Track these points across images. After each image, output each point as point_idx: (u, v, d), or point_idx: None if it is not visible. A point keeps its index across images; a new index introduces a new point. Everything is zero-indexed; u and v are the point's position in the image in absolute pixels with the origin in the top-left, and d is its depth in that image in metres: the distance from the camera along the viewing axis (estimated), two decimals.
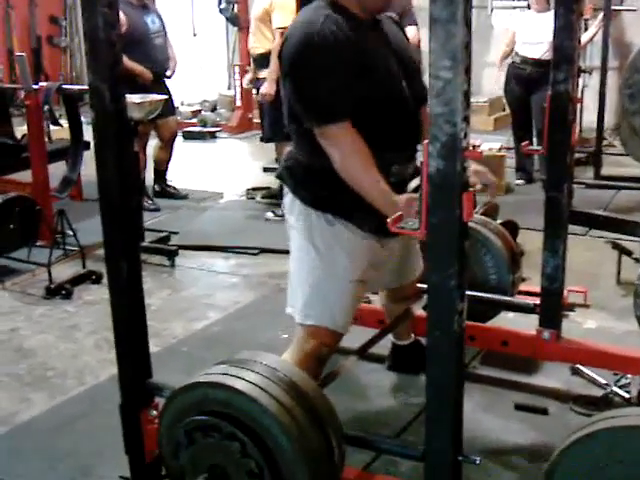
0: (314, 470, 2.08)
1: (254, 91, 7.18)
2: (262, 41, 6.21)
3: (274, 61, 5.80)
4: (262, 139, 6.56)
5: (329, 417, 2.17)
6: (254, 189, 6.80)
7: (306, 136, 2.53)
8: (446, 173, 1.79)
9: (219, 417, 2.13)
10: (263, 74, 6.10)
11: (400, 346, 3.41)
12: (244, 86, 6.26)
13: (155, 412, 2.60)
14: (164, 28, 6.51)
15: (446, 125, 1.77)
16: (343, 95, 2.44)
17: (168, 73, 6.54)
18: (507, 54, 6.93)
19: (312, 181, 2.63)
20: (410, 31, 5.57)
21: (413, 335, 3.39)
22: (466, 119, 1.78)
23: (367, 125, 2.47)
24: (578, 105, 3.19)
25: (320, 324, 2.63)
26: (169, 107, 6.38)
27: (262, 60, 6.15)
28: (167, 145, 6.68)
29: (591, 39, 7.25)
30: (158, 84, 6.29)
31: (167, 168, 6.82)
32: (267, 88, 5.90)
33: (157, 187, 6.77)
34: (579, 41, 3.03)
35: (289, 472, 2.07)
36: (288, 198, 2.72)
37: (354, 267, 2.64)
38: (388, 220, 1.97)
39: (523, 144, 3.38)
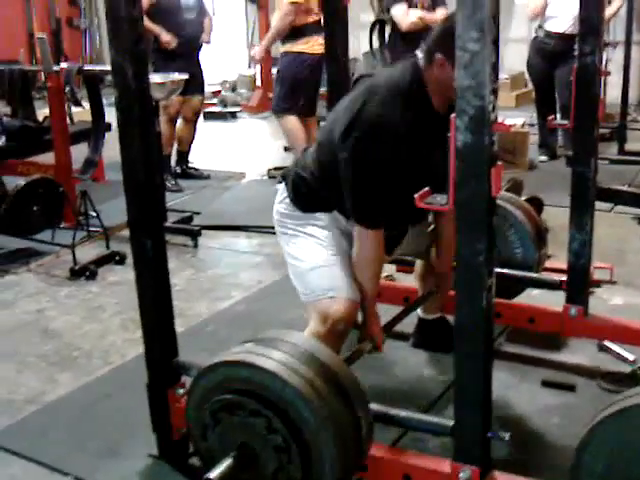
0: (341, 443, 2.08)
1: (274, 70, 7.24)
2: None
3: (273, 27, 5.99)
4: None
5: (354, 390, 2.16)
6: (276, 169, 6.79)
7: (328, 171, 2.67)
8: (474, 147, 1.77)
9: (243, 395, 2.13)
10: (285, 48, 6.10)
11: (426, 320, 3.40)
12: (256, 57, 6.40)
13: (182, 391, 2.61)
14: (200, 5, 6.56)
15: (474, 98, 1.75)
16: (387, 208, 2.59)
17: (203, 39, 6.58)
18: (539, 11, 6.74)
19: (312, 197, 2.79)
20: (440, 12, 5.63)
21: (440, 312, 3.37)
22: (494, 92, 1.76)
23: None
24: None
25: (331, 295, 2.65)
26: (196, 85, 6.40)
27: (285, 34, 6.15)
28: (189, 123, 6.69)
29: (615, 13, 7.14)
30: (189, 60, 6.33)
31: (189, 149, 6.84)
32: (258, 51, 6.23)
33: (178, 169, 6.78)
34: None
35: (316, 446, 2.07)
36: (285, 203, 2.85)
37: (349, 241, 2.74)
38: (416, 196, 1.95)
39: (549, 118, 3.34)
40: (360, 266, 2.68)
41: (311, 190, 2.77)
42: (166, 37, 6.19)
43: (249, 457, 2.13)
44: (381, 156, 2.48)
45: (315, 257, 2.73)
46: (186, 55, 6.33)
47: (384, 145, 2.47)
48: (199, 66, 6.57)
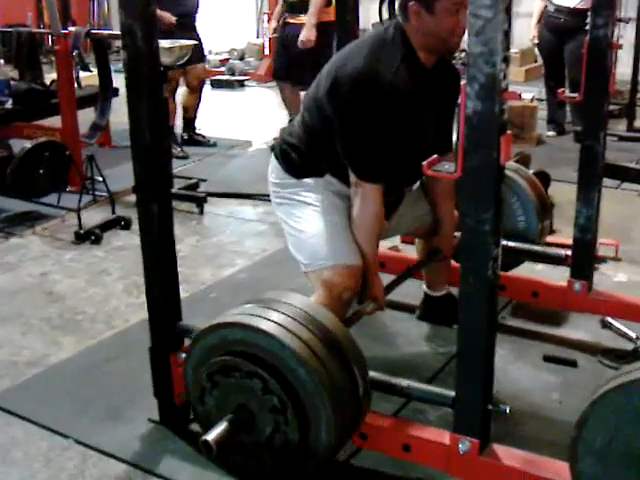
0: (338, 405, 2.08)
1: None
2: None
3: (313, 4, 5.77)
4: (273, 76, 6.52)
5: (351, 351, 2.17)
6: None
7: (315, 135, 2.68)
8: (484, 114, 1.76)
9: (239, 356, 2.14)
10: (297, 20, 6.03)
11: (432, 297, 3.38)
12: (270, 36, 6.18)
13: (184, 355, 2.60)
14: None
15: (485, 65, 1.74)
16: (385, 160, 2.58)
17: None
18: (543, 8, 6.76)
19: (303, 162, 2.76)
20: None
21: (447, 287, 3.36)
22: (505, 60, 1.75)
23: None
24: None
25: (335, 263, 2.63)
26: (198, 54, 6.33)
27: (298, 6, 6.07)
28: (195, 92, 6.65)
29: None
30: (187, 30, 6.24)
31: (195, 116, 6.81)
32: (307, 34, 5.86)
33: (185, 135, 6.78)
34: None
35: (313, 408, 2.08)
36: (276, 173, 2.83)
37: (348, 206, 2.72)
38: (423, 163, 1.94)
39: (559, 91, 3.31)
40: (360, 227, 2.66)
41: (301, 155, 2.75)
42: (164, 17, 5.93)
43: (246, 419, 2.14)
44: (368, 107, 2.48)
45: (313, 225, 2.71)
46: (183, 28, 6.18)
47: (369, 97, 2.47)
48: (197, 36, 6.46)
